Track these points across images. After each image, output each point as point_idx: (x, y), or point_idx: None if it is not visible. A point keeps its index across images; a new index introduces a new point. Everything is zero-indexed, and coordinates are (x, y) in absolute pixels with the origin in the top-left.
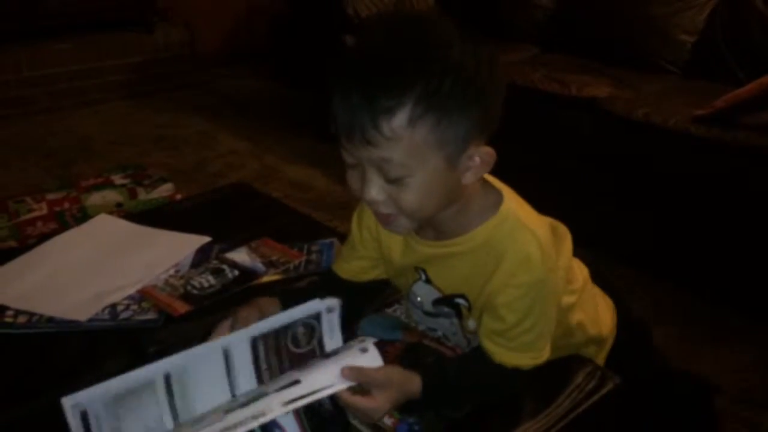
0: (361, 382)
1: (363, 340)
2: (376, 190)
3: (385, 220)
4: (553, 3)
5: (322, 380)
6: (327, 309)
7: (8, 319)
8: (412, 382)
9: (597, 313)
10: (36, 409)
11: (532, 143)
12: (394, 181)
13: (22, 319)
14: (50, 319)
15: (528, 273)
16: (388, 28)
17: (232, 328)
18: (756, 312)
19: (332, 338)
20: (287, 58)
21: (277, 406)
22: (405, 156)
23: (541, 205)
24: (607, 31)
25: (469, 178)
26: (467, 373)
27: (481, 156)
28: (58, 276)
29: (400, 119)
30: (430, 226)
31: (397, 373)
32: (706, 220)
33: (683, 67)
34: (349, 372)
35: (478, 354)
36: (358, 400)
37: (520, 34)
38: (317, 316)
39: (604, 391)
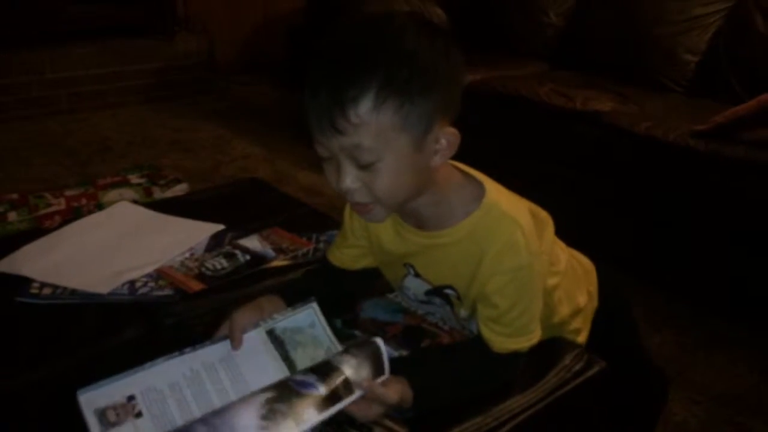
0: (371, 395)
1: (373, 340)
2: (350, 178)
3: (362, 210)
4: (563, 22)
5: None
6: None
7: (34, 291)
8: (407, 400)
9: (574, 288)
10: (58, 371)
11: (537, 154)
12: (366, 167)
13: (46, 290)
14: (73, 292)
15: (513, 259)
16: (349, 29)
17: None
18: (749, 320)
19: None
20: (302, 68)
21: (314, 414)
22: (373, 140)
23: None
24: (613, 50)
25: (437, 161)
26: (462, 375)
27: (446, 137)
28: (81, 254)
29: (365, 106)
30: (412, 216)
31: (400, 391)
32: (703, 230)
33: (686, 86)
34: (367, 385)
35: (476, 347)
36: (354, 408)
37: (530, 51)
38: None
39: (590, 373)
